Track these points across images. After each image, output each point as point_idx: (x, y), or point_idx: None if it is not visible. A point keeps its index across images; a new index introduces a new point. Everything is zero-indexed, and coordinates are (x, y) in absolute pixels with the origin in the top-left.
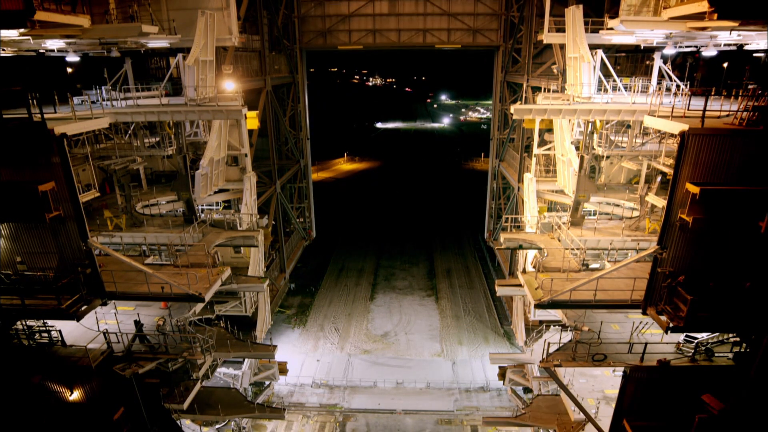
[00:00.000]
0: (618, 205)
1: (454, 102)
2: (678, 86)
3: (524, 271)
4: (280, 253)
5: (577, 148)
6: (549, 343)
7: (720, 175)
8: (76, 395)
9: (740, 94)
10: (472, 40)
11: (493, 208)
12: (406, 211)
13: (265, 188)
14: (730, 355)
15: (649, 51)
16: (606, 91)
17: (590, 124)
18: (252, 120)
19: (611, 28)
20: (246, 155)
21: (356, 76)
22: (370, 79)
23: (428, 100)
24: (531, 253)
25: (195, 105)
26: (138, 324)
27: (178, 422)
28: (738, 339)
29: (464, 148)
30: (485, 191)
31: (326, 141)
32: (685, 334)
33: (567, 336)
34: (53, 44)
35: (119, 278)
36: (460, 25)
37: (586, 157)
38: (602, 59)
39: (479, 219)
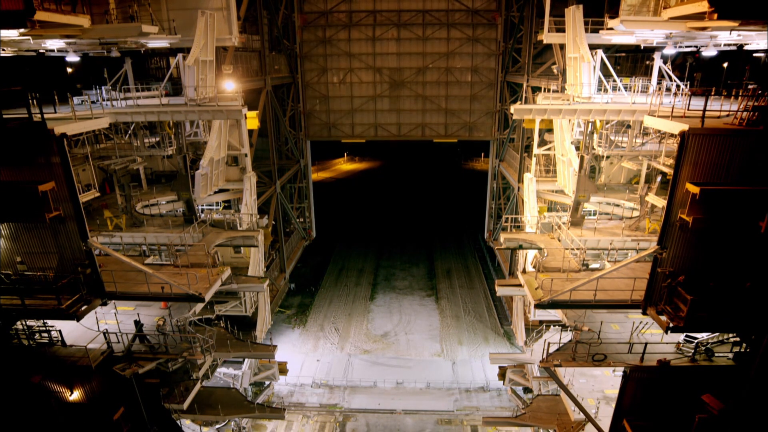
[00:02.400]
0: (618, 205)
1: None
2: (678, 86)
3: (524, 271)
4: (280, 253)
5: (577, 148)
6: (549, 343)
7: (720, 175)
8: (76, 395)
9: (740, 94)
10: (468, 135)
11: (493, 208)
12: (407, 211)
13: (265, 188)
14: (730, 355)
15: (649, 51)
16: (606, 91)
17: (590, 124)
18: (252, 120)
19: (611, 28)
20: (246, 155)
21: None
22: None
23: None
24: (531, 253)
25: (195, 105)
26: (138, 324)
27: (178, 422)
28: (738, 339)
29: (464, 148)
30: (485, 191)
31: (326, 141)
32: (685, 334)
33: (567, 336)
34: (53, 44)
35: (119, 278)
36: (457, 120)
37: (586, 157)
38: (602, 59)
39: (479, 219)
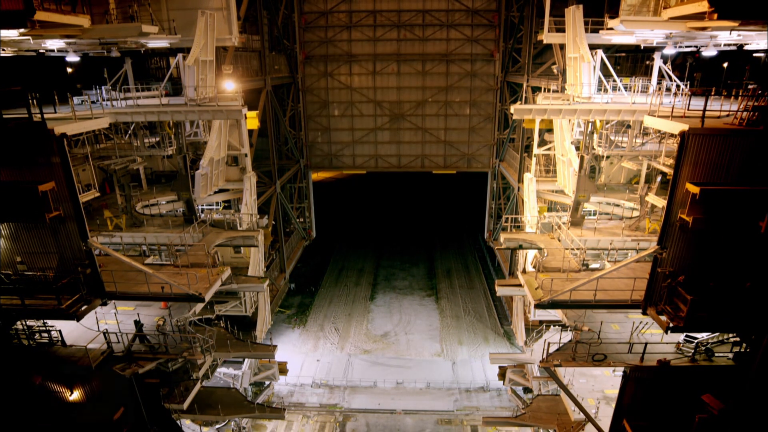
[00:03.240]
0: (618, 205)
1: None
2: (678, 86)
3: (524, 271)
4: (280, 253)
5: (577, 148)
6: (549, 343)
7: (720, 175)
8: (76, 395)
9: (740, 94)
10: (467, 166)
11: (493, 208)
12: (407, 211)
13: (265, 188)
14: (730, 355)
15: (649, 51)
16: (606, 91)
17: (590, 124)
18: (252, 120)
19: (611, 28)
20: (246, 155)
21: None
22: None
23: None
24: (531, 253)
25: (195, 105)
26: (138, 324)
27: (178, 422)
28: (738, 339)
29: None
30: (485, 191)
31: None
32: (685, 334)
33: (567, 336)
34: (53, 44)
35: (119, 278)
36: (456, 152)
37: (586, 157)
38: (602, 59)
39: (479, 219)
